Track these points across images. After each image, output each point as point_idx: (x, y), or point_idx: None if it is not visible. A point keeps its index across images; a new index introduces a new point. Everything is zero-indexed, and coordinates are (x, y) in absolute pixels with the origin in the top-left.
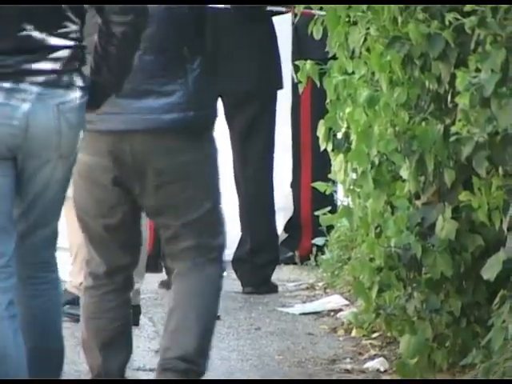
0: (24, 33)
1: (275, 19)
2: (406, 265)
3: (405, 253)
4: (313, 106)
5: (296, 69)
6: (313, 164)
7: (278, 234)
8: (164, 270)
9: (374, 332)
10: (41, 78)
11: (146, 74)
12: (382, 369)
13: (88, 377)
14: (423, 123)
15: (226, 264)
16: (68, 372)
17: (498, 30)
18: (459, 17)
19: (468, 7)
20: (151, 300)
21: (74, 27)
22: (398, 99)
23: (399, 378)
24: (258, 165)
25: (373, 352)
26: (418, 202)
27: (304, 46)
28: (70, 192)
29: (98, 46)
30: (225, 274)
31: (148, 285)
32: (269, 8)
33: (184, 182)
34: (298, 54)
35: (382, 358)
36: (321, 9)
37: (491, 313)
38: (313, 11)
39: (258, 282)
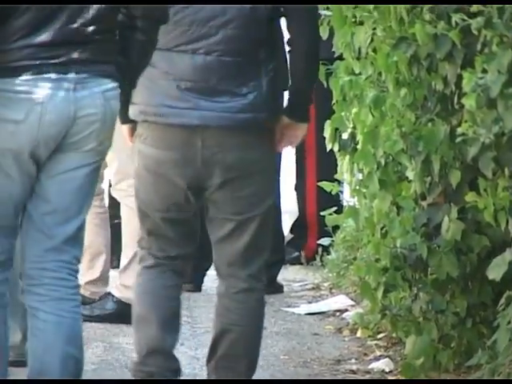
0: (73, 26)
1: None
2: (412, 265)
3: (410, 253)
4: (317, 106)
5: None
6: (317, 164)
7: (283, 234)
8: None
9: (380, 333)
10: (87, 67)
11: (223, 75)
12: (387, 369)
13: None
14: (429, 124)
15: None
16: None
17: (504, 31)
18: (466, 17)
19: (475, 8)
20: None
21: (114, 21)
22: (404, 100)
23: (404, 378)
24: None
25: (378, 353)
26: (424, 203)
27: None
28: None
29: (121, 41)
30: None
31: None
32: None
33: (250, 178)
34: None
35: (387, 359)
36: (327, 9)
37: (497, 313)
38: (319, 11)
39: None
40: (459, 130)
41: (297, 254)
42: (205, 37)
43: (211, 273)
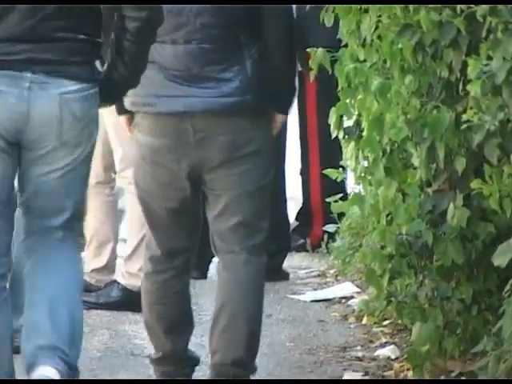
0: (32, 22)
1: None
2: (417, 252)
3: (416, 240)
4: (318, 93)
5: (302, 56)
6: (320, 151)
7: (289, 221)
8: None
9: (385, 319)
10: (45, 67)
11: (205, 62)
12: (392, 356)
13: (103, 360)
14: (434, 111)
15: None
16: (80, 358)
17: (509, 18)
18: (471, 4)
19: None
20: None
21: (85, 21)
22: (409, 87)
23: (410, 365)
24: None
25: (384, 339)
26: (429, 190)
27: (309, 35)
28: (92, 181)
29: (114, 40)
30: None
31: None
32: None
33: (243, 158)
34: (302, 43)
35: (392, 346)
36: None
37: (502, 300)
38: None
39: (269, 269)
40: (464, 117)
41: (302, 241)
42: (182, 26)
43: (216, 260)
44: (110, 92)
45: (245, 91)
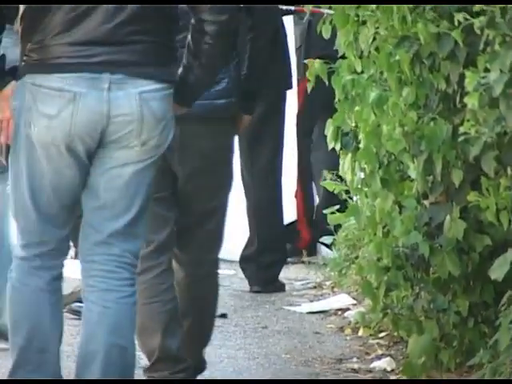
0: (110, 26)
1: None
2: (414, 264)
3: (412, 252)
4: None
5: (304, 68)
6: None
7: (285, 233)
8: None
9: (381, 331)
10: (122, 69)
11: None
12: (388, 368)
13: None
14: (432, 123)
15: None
16: (74, 371)
17: (507, 31)
18: (468, 17)
19: (477, 7)
20: None
21: (160, 25)
22: (406, 99)
23: (406, 377)
24: (267, 168)
25: (380, 351)
26: (426, 202)
27: (315, 42)
28: None
29: (191, 43)
30: (232, 272)
31: None
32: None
33: (221, 166)
34: (307, 51)
35: (388, 358)
36: (330, 8)
37: (498, 313)
38: (322, 10)
39: (265, 280)
40: (461, 129)
41: (289, 245)
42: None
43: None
44: (186, 94)
45: (231, 93)
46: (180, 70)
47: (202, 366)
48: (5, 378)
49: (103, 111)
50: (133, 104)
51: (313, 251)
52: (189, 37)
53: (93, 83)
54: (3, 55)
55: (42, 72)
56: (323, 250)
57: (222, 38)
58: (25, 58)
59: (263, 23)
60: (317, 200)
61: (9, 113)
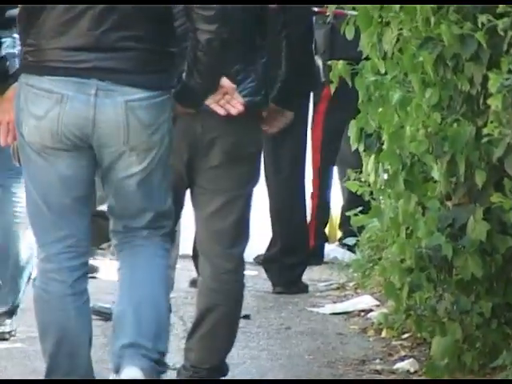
0: (98, 32)
1: None
2: (437, 266)
3: (435, 254)
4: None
5: (328, 69)
6: (320, 164)
7: (308, 234)
8: (196, 268)
9: (404, 333)
10: (110, 76)
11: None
12: (411, 370)
13: None
14: (455, 124)
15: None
16: (98, 371)
17: None
18: (492, 18)
19: (501, 8)
20: (181, 299)
21: (151, 32)
22: (429, 100)
23: (429, 378)
24: (291, 170)
25: (403, 353)
26: (449, 203)
27: (339, 45)
28: None
29: (189, 51)
30: (255, 273)
31: (178, 284)
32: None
33: (243, 162)
34: (331, 53)
35: (412, 359)
36: (353, 9)
37: None
38: (345, 11)
39: (288, 281)
40: (485, 131)
41: None
42: None
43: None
44: (189, 98)
45: (256, 91)
46: (183, 76)
47: (224, 368)
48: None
49: (89, 116)
50: (118, 112)
51: (318, 258)
52: (189, 44)
53: (80, 87)
54: (4, 57)
55: (34, 73)
56: (331, 254)
57: (213, 46)
58: (22, 59)
59: (296, 20)
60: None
61: (13, 115)
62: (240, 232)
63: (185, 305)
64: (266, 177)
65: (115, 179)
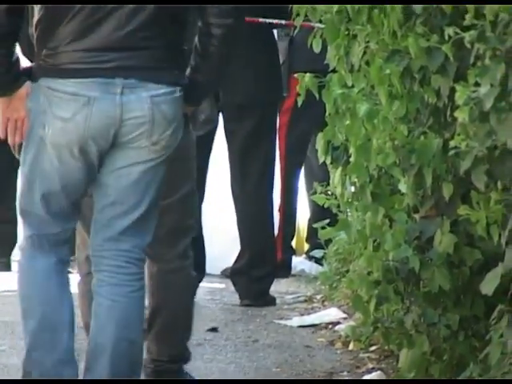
0: (122, 33)
1: None
2: (404, 278)
3: (403, 266)
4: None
5: (288, 84)
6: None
7: (276, 247)
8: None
9: (372, 345)
10: (134, 73)
11: None
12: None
13: None
14: (422, 137)
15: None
16: None
17: (497, 45)
18: (459, 31)
19: (467, 21)
20: None
21: (170, 30)
22: (396, 113)
23: (422, 378)
24: (259, 181)
25: (370, 365)
26: (417, 216)
27: (299, 59)
28: None
29: (199, 46)
30: (223, 286)
31: None
32: (269, 21)
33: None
34: (291, 66)
35: (379, 372)
36: (320, 22)
37: (489, 327)
38: (312, 24)
39: (255, 294)
40: (452, 143)
41: None
42: None
43: (203, 285)
44: (194, 94)
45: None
46: (188, 71)
47: (185, 355)
48: (5, 377)
49: (116, 115)
50: (144, 107)
51: (285, 270)
52: (196, 39)
53: (106, 88)
54: (18, 57)
55: (57, 77)
56: (298, 267)
57: (227, 40)
58: (40, 62)
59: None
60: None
61: (24, 113)
62: (180, 232)
63: None
64: (233, 189)
65: (122, 166)
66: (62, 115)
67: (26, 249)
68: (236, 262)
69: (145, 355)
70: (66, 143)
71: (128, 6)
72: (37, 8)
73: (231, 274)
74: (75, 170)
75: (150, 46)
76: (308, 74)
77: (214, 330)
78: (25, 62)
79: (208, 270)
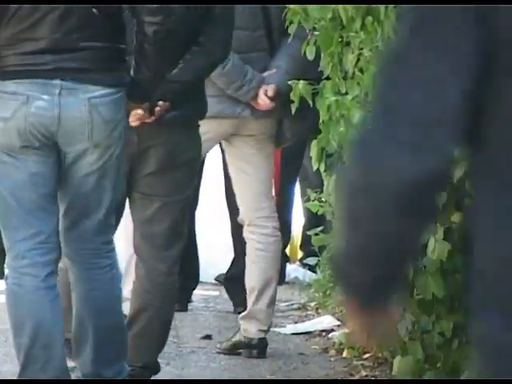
0: (59, 35)
1: None
2: None
3: None
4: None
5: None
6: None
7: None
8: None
9: (366, 353)
10: (72, 75)
11: None
12: None
13: None
14: None
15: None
16: None
17: None
18: None
19: None
20: None
21: (107, 30)
22: None
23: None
24: None
25: (364, 373)
26: None
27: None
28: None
29: (136, 44)
30: (217, 293)
31: None
32: None
33: (178, 167)
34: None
35: (373, 379)
36: (314, 29)
37: None
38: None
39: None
40: None
41: None
42: None
43: (197, 292)
44: (139, 93)
45: (186, 104)
46: (131, 71)
47: (156, 367)
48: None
49: (54, 114)
50: (82, 109)
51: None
52: (134, 39)
53: (45, 88)
54: None
55: None
56: (292, 274)
57: (160, 37)
58: None
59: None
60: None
61: None
62: (175, 235)
63: None
64: (227, 196)
65: (77, 176)
66: (2, 115)
67: (13, 268)
68: (230, 269)
69: None
70: (10, 142)
71: (60, 8)
72: None
73: (225, 281)
74: (31, 165)
75: (87, 46)
76: (301, 81)
77: (207, 337)
78: None
79: (202, 277)
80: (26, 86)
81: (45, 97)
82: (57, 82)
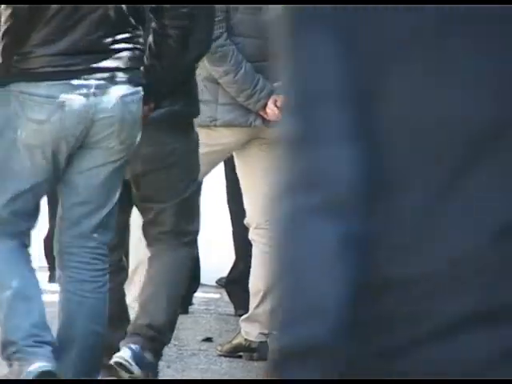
0: (94, 36)
1: None
2: None
3: None
4: None
5: None
6: None
7: None
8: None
9: None
10: (106, 75)
11: None
12: None
13: None
14: None
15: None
16: None
17: None
18: None
19: None
20: None
21: (136, 32)
22: None
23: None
24: None
25: None
26: None
27: None
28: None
29: (153, 46)
30: (218, 296)
31: None
32: None
33: (169, 169)
34: None
35: None
36: None
37: None
38: None
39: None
40: None
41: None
42: None
43: (198, 295)
44: (151, 95)
45: (176, 101)
46: (143, 72)
47: (163, 337)
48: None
49: (88, 115)
50: (115, 108)
51: None
52: (150, 39)
53: (78, 89)
54: None
55: (29, 81)
56: None
57: (183, 41)
58: (11, 68)
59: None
60: None
61: None
62: (192, 212)
63: None
64: (228, 199)
65: (89, 167)
66: (36, 118)
67: None
68: (231, 271)
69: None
70: (40, 144)
71: (100, 10)
72: (3, 18)
73: (226, 283)
74: (45, 171)
75: (120, 48)
76: None
77: (208, 340)
78: None
79: (203, 280)
80: (59, 87)
81: (80, 98)
82: (91, 82)
